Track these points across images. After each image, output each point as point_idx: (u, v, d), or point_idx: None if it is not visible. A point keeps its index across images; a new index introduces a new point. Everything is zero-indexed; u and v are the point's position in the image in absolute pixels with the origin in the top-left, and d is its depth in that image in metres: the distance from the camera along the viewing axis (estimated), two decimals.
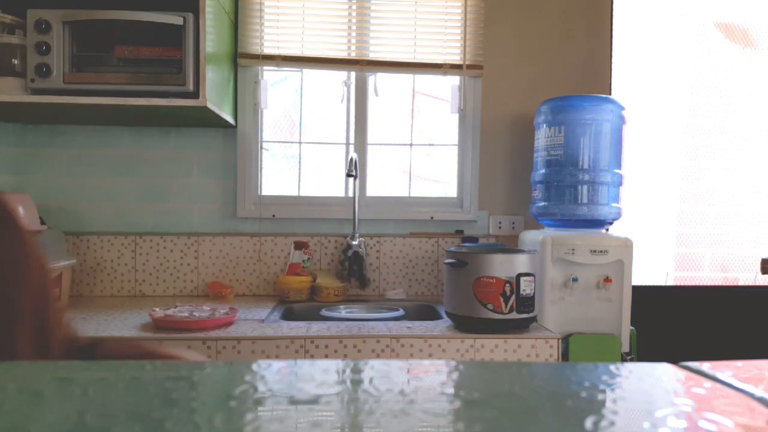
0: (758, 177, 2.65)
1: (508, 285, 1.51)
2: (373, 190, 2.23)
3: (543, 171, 1.91)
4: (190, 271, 2.10)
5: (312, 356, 1.46)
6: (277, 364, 0.33)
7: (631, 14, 2.49)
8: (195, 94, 1.68)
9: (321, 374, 0.29)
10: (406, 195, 2.25)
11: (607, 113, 1.83)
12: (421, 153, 2.29)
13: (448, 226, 2.18)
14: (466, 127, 2.21)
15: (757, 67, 2.66)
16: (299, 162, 2.25)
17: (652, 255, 2.62)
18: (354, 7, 2.14)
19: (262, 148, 2.20)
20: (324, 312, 1.86)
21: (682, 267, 2.71)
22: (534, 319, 1.58)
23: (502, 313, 1.51)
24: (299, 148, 2.26)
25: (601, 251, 1.75)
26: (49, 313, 0.49)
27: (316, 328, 1.55)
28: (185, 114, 1.83)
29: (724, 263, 2.70)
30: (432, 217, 2.17)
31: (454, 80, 2.21)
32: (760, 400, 0.27)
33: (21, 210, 1.71)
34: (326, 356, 1.46)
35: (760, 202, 2.66)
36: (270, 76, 2.21)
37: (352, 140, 2.21)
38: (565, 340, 1.73)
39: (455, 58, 2.15)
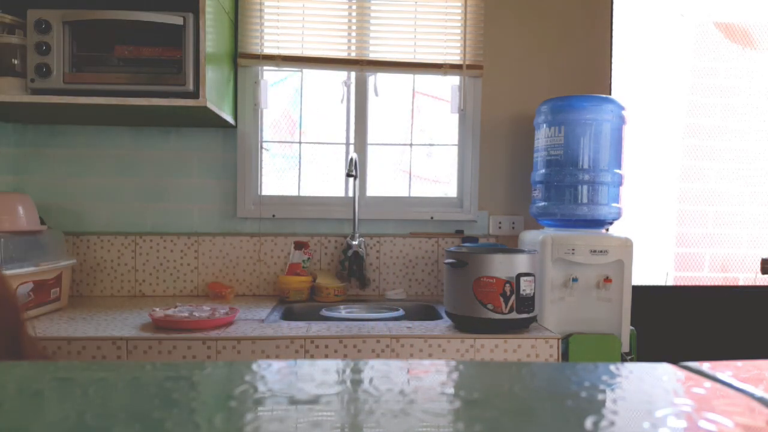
0: (758, 177, 2.65)
1: (508, 285, 1.51)
2: (373, 190, 2.23)
3: (543, 171, 1.91)
4: (190, 271, 2.10)
5: (312, 356, 1.46)
6: (277, 364, 0.33)
7: (631, 14, 2.49)
8: (195, 94, 1.68)
9: (321, 374, 0.29)
10: (406, 195, 2.25)
11: (607, 113, 1.83)
12: (421, 153, 2.29)
13: (448, 226, 2.18)
14: (466, 127, 2.21)
15: (757, 67, 2.66)
16: (299, 162, 2.25)
17: (652, 255, 2.62)
18: (354, 7, 2.14)
19: (262, 148, 2.20)
20: (324, 312, 1.86)
21: (682, 267, 2.71)
22: (534, 319, 1.58)
23: (502, 313, 1.51)
24: (299, 148, 2.26)
25: (601, 251, 1.75)
26: (23, 345, 0.50)
27: (316, 328, 1.55)
28: (185, 114, 1.83)
29: (724, 263, 2.70)
30: (432, 217, 2.17)
31: (454, 80, 2.21)
32: (760, 400, 0.27)
33: (21, 210, 1.71)
34: (326, 356, 1.46)
35: (759, 202, 2.66)
36: (270, 76, 2.21)
37: (352, 140, 2.21)
38: (565, 340, 1.73)
39: (455, 58, 2.15)
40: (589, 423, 0.23)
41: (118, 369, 0.30)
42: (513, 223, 2.20)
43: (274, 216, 2.13)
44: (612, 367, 0.32)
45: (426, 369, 0.32)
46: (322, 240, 2.14)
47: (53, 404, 0.25)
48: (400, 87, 2.26)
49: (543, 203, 1.92)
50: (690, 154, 2.68)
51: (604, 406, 0.27)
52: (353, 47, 2.15)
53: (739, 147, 2.66)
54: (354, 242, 2.08)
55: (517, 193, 2.20)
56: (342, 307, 1.94)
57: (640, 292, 2.12)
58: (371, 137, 2.22)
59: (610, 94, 2.21)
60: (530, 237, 1.89)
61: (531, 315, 1.55)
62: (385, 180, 2.26)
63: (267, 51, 2.11)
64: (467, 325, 1.56)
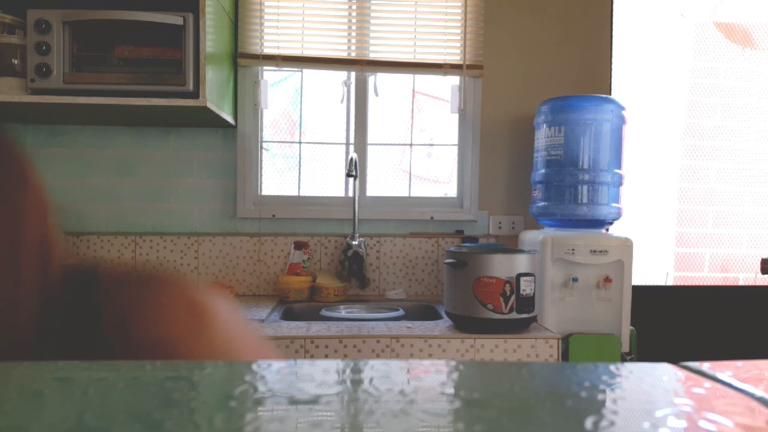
0: (758, 177, 2.65)
1: (508, 285, 1.52)
2: (373, 190, 2.23)
3: (543, 171, 1.91)
4: (190, 271, 2.10)
5: (312, 356, 1.46)
6: (277, 364, 0.33)
7: (631, 14, 2.49)
8: (195, 94, 1.68)
9: (321, 374, 0.29)
10: (406, 195, 2.25)
11: (607, 113, 1.83)
12: (421, 153, 2.30)
13: (448, 226, 2.19)
14: (466, 127, 2.21)
15: (757, 67, 2.66)
16: (299, 162, 2.25)
17: (652, 255, 2.62)
18: (354, 7, 2.14)
19: (262, 148, 2.20)
20: (324, 312, 1.86)
21: (682, 267, 2.71)
22: (534, 319, 1.58)
23: (502, 313, 1.51)
24: (299, 148, 2.26)
25: (601, 251, 1.75)
26: (49, 241, 0.47)
27: (316, 328, 1.55)
28: (185, 114, 1.83)
29: (724, 263, 2.70)
30: (432, 217, 2.17)
31: (454, 80, 2.21)
32: (760, 400, 0.27)
33: None
34: (326, 356, 1.46)
35: (759, 202, 2.66)
36: (270, 76, 2.21)
37: (352, 140, 2.21)
38: (565, 340, 1.73)
39: (455, 58, 2.15)
40: (589, 423, 0.23)
41: (118, 369, 0.30)
42: (513, 223, 2.20)
43: (274, 216, 2.13)
44: (612, 367, 0.32)
45: (426, 369, 0.32)
46: (322, 240, 2.14)
47: (53, 404, 0.25)
48: (400, 87, 2.26)
49: (543, 203, 1.92)
50: (690, 154, 2.68)
51: (604, 406, 0.27)
52: (353, 47, 2.15)
53: (739, 147, 2.66)
54: (354, 242, 2.08)
55: (517, 193, 2.20)
56: (342, 307, 1.94)
57: (640, 292, 2.12)
58: (371, 137, 2.22)
59: (610, 94, 2.21)
60: (530, 237, 1.89)
61: (531, 315, 1.55)
62: (385, 180, 2.26)
63: (267, 51, 2.11)
64: (467, 325, 1.56)
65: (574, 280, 1.75)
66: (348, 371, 0.31)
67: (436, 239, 2.17)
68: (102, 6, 1.68)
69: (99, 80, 1.68)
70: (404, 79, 2.24)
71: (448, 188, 2.28)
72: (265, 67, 2.16)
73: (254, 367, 0.31)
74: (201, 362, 0.32)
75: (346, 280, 2.08)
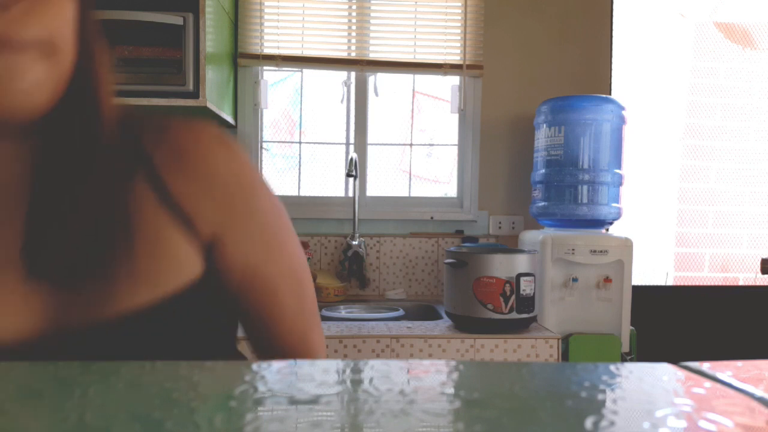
0: (758, 177, 2.65)
1: (508, 285, 1.52)
2: (373, 190, 2.23)
3: (543, 171, 1.91)
4: None
5: None
6: (277, 364, 0.33)
7: (631, 14, 2.49)
8: (195, 94, 1.68)
9: (321, 374, 0.30)
10: (406, 195, 2.25)
11: (607, 113, 1.83)
12: (421, 153, 2.30)
13: (448, 226, 2.18)
14: (466, 127, 2.21)
15: (757, 67, 2.66)
16: (299, 162, 2.25)
17: (652, 255, 2.62)
18: (354, 7, 2.14)
19: (262, 147, 2.20)
20: (324, 312, 1.86)
21: (682, 267, 2.71)
22: (534, 319, 1.58)
23: (502, 313, 1.51)
24: (299, 148, 2.26)
25: (601, 251, 1.75)
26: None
27: None
28: (185, 114, 1.83)
29: (724, 263, 2.70)
30: (432, 217, 2.17)
31: (454, 80, 2.21)
32: (760, 400, 0.27)
33: None
34: (326, 356, 1.46)
35: (759, 202, 2.66)
36: (270, 75, 2.21)
37: (352, 140, 2.21)
38: (565, 340, 1.73)
39: (455, 58, 2.15)
40: (589, 423, 0.23)
41: (118, 369, 0.30)
42: (513, 223, 2.20)
43: None
44: (612, 367, 0.32)
45: (426, 369, 0.32)
46: (322, 240, 2.14)
47: (53, 404, 0.25)
48: (400, 87, 2.26)
49: (543, 203, 1.92)
50: (690, 154, 2.68)
51: (604, 406, 0.27)
52: (353, 47, 2.15)
53: (739, 147, 2.66)
54: (354, 242, 2.08)
55: (517, 193, 2.20)
56: (342, 307, 1.94)
57: (640, 292, 2.12)
58: (371, 137, 2.22)
59: (610, 94, 2.21)
60: (530, 237, 1.90)
61: (531, 315, 1.55)
62: (385, 180, 2.26)
63: (267, 51, 2.11)
64: (467, 325, 1.56)
65: (574, 280, 1.75)
66: (348, 371, 0.31)
67: (436, 239, 2.17)
68: (102, 6, 1.67)
69: None
70: (404, 79, 2.24)
71: (448, 188, 2.28)
72: (265, 67, 2.16)
73: (254, 367, 0.31)
74: (201, 362, 0.32)
75: (346, 280, 2.08)
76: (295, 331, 0.65)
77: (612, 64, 2.22)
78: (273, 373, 0.31)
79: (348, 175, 1.97)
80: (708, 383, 0.29)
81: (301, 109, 2.27)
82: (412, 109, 2.27)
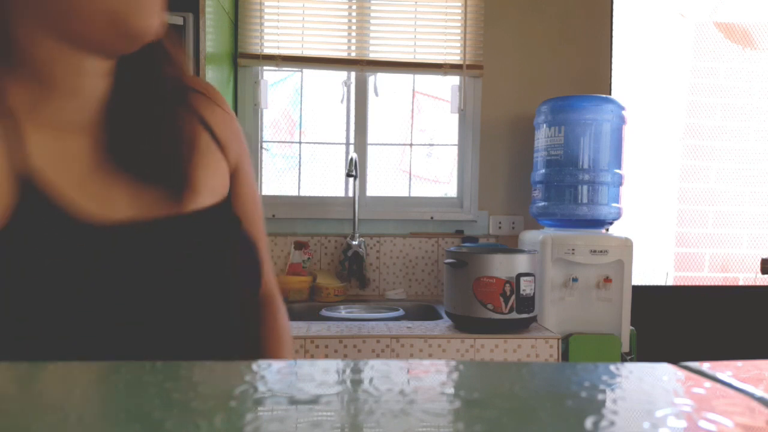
0: (758, 177, 2.65)
1: (508, 285, 1.52)
2: (373, 190, 2.23)
3: (543, 171, 1.91)
4: None
5: (312, 356, 1.46)
6: (277, 364, 0.33)
7: (631, 14, 2.49)
8: None
9: (321, 374, 0.29)
10: (406, 195, 2.25)
11: (607, 113, 1.83)
12: (421, 153, 2.30)
13: (448, 226, 2.18)
14: (466, 127, 2.21)
15: (757, 67, 2.66)
16: (299, 162, 2.25)
17: (652, 255, 2.62)
18: (354, 7, 2.14)
19: (262, 148, 2.20)
20: (324, 312, 1.86)
21: (682, 267, 2.71)
22: (534, 319, 1.58)
23: (502, 313, 1.51)
24: (299, 148, 2.26)
25: (601, 251, 1.75)
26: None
27: (316, 328, 1.55)
28: None
29: (724, 263, 2.70)
30: (432, 217, 2.17)
31: (454, 80, 2.21)
32: (760, 400, 0.27)
33: None
34: (326, 356, 1.46)
35: (759, 202, 2.66)
36: (270, 75, 2.21)
37: (352, 140, 2.21)
38: (565, 340, 1.73)
39: (455, 58, 2.15)
40: (589, 423, 0.23)
41: (118, 369, 0.30)
42: (513, 223, 2.20)
43: (274, 216, 2.13)
44: (612, 367, 0.32)
45: (426, 369, 0.32)
46: (322, 240, 2.14)
47: (53, 404, 0.25)
48: (400, 87, 2.27)
49: (543, 203, 1.92)
50: (690, 154, 2.68)
51: (604, 406, 0.27)
52: (353, 47, 2.15)
53: (739, 147, 2.67)
54: (354, 242, 2.08)
55: (517, 193, 2.20)
56: (342, 307, 1.94)
57: (640, 292, 2.12)
58: (371, 137, 2.22)
59: (610, 94, 2.21)
60: (530, 237, 1.90)
61: (531, 315, 1.55)
62: (385, 180, 2.26)
63: (267, 51, 2.11)
64: (467, 325, 1.56)
65: (574, 280, 1.75)
66: (348, 371, 0.31)
67: (436, 239, 2.17)
68: None
69: None
70: (404, 79, 2.25)
71: (448, 188, 2.28)
72: (265, 67, 2.16)
73: (254, 367, 0.31)
74: (201, 362, 0.32)
75: (346, 280, 2.08)
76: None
77: (612, 64, 2.22)
78: (273, 373, 0.31)
79: (348, 175, 1.97)
80: (708, 383, 0.29)
81: (301, 109, 2.27)
82: (412, 109, 2.27)
